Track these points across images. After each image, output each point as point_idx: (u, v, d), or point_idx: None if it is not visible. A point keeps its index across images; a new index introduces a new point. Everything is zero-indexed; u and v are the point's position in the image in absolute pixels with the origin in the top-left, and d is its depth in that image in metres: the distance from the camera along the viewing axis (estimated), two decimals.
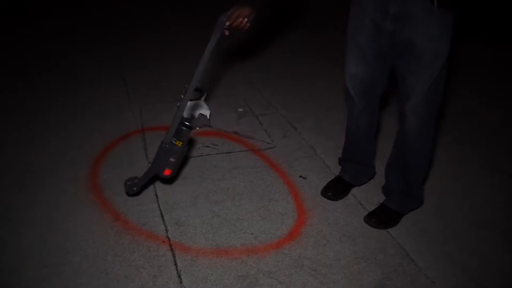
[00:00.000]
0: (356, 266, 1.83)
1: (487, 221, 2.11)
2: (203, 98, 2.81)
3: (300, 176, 2.37)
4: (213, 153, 2.54)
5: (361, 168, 2.25)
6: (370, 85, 1.94)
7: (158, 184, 2.24)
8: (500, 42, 4.52)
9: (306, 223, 2.05)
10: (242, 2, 1.76)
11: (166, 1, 5.50)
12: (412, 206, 2.11)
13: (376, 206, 2.12)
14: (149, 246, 1.88)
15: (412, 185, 2.04)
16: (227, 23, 1.75)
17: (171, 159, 1.85)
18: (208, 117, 2.77)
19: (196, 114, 2.72)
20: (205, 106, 2.79)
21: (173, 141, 1.85)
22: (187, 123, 1.85)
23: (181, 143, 1.85)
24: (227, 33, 1.78)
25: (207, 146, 2.59)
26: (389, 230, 2.02)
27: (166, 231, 1.97)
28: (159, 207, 2.11)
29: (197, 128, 2.77)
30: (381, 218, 2.05)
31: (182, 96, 2.74)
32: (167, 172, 1.87)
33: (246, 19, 1.77)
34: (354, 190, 2.26)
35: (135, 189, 1.97)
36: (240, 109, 3.04)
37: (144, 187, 2.07)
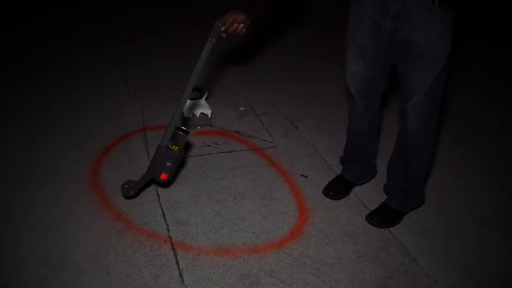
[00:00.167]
0: (358, 265, 1.83)
1: (488, 220, 2.11)
2: (204, 97, 2.81)
3: (301, 175, 2.37)
4: (214, 152, 2.54)
5: (363, 167, 2.25)
6: (370, 85, 1.94)
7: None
8: (500, 42, 4.53)
9: (307, 222, 2.05)
10: (237, 8, 1.78)
11: (166, 1, 5.50)
12: (413, 205, 2.11)
13: (378, 205, 2.12)
14: (150, 245, 1.88)
15: (413, 184, 2.04)
16: (223, 28, 1.77)
17: (168, 164, 1.87)
18: (209, 116, 2.77)
19: (198, 113, 2.72)
20: (206, 105, 2.79)
21: (170, 146, 1.86)
22: (183, 128, 1.88)
23: (177, 147, 1.86)
24: (224, 35, 1.80)
25: (209, 145, 2.59)
26: (391, 229, 2.02)
27: (168, 230, 1.97)
28: (160, 206, 2.11)
29: (199, 127, 2.77)
30: (382, 217, 2.05)
31: None
32: (163, 176, 1.89)
33: (241, 24, 1.78)
34: (356, 189, 2.26)
35: (132, 192, 1.98)
36: (242, 108, 3.04)
37: (141, 190, 2.07)
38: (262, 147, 2.61)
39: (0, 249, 1.84)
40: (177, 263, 1.80)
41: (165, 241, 1.91)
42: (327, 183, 2.27)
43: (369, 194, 2.24)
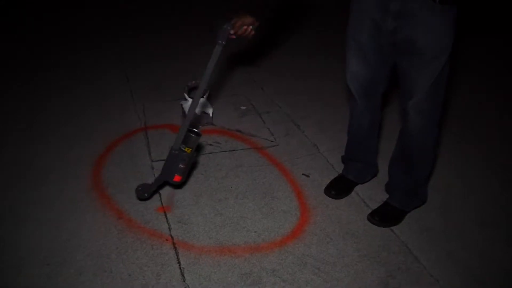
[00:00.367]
0: (360, 264, 1.83)
1: (490, 220, 2.10)
2: (205, 96, 2.80)
3: (303, 174, 2.37)
4: (216, 151, 2.54)
5: (364, 166, 2.25)
6: (371, 84, 1.93)
7: None
8: (500, 38, 4.51)
9: (309, 221, 2.05)
10: (244, 11, 1.81)
11: (166, 1, 5.49)
12: (415, 204, 2.10)
13: (380, 204, 2.12)
14: (152, 244, 1.89)
15: (415, 183, 2.03)
16: (232, 32, 1.81)
17: (181, 166, 1.90)
18: (211, 115, 2.77)
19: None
20: (208, 104, 2.79)
21: (182, 148, 1.90)
22: (195, 130, 1.91)
23: (189, 149, 1.90)
24: (233, 36, 1.84)
25: (210, 144, 2.59)
26: (393, 228, 2.02)
27: (169, 229, 1.97)
28: (162, 205, 2.11)
29: (200, 126, 2.77)
30: (384, 216, 2.05)
31: (185, 94, 2.75)
32: (177, 178, 1.93)
33: (250, 27, 1.82)
34: (358, 188, 2.25)
35: (146, 195, 2.02)
36: (243, 107, 3.04)
37: (155, 192, 2.10)
38: (264, 146, 2.61)
39: (2, 248, 1.85)
40: (179, 262, 1.80)
41: (166, 240, 1.91)
42: (328, 182, 2.26)
43: (371, 193, 2.24)
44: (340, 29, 1.94)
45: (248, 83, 3.40)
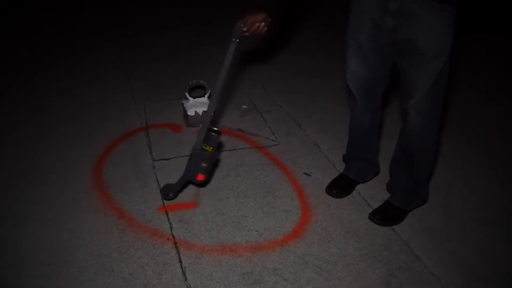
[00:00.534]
0: (361, 263, 1.83)
1: (491, 219, 2.10)
2: (206, 96, 2.80)
3: (304, 173, 2.36)
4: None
5: (365, 165, 2.24)
6: (371, 84, 1.93)
7: (162, 181, 2.25)
8: (500, 37, 4.50)
9: (310, 220, 2.05)
10: (255, 9, 1.84)
11: (166, 1, 5.49)
12: (416, 203, 2.10)
13: (381, 203, 2.12)
14: (153, 243, 1.88)
15: (416, 182, 2.03)
16: (245, 29, 1.85)
17: (203, 164, 1.95)
18: (212, 114, 2.76)
19: (200, 111, 2.72)
20: (209, 103, 2.78)
21: (204, 147, 1.94)
22: (215, 129, 1.97)
23: (211, 148, 1.94)
24: (247, 34, 1.88)
25: None
26: (394, 227, 2.02)
27: (171, 228, 1.97)
28: (163, 204, 2.11)
29: (201, 126, 2.76)
30: (385, 215, 2.05)
31: (186, 93, 2.75)
32: (200, 177, 1.97)
33: (262, 23, 1.85)
34: (359, 187, 2.25)
35: (171, 195, 2.07)
36: (244, 106, 3.04)
37: (179, 191, 2.13)
38: (265, 145, 2.61)
39: (5, 247, 1.85)
40: (180, 261, 1.80)
41: (168, 239, 1.91)
42: (330, 181, 2.26)
43: (372, 192, 2.23)
44: (341, 28, 1.94)
45: (250, 82, 3.40)
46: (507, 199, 2.23)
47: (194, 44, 4.12)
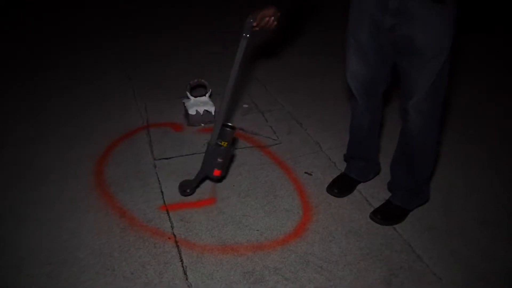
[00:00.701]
0: (362, 262, 1.83)
1: (492, 219, 2.10)
2: (208, 95, 2.80)
3: (305, 173, 2.36)
4: None
5: (366, 164, 2.24)
6: (371, 83, 1.93)
7: (163, 180, 2.25)
8: (500, 37, 4.50)
9: (311, 220, 2.05)
10: (264, 4, 1.86)
11: (166, 1, 5.49)
12: (417, 203, 2.10)
13: (382, 203, 2.11)
14: (155, 242, 1.89)
15: (417, 182, 2.03)
16: (255, 24, 1.87)
17: (219, 160, 1.99)
18: (213, 113, 2.77)
19: (201, 110, 2.72)
20: (210, 102, 2.79)
21: (219, 143, 1.96)
22: (229, 124, 2.00)
23: (226, 143, 1.97)
24: (257, 29, 1.89)
25: None
26: (395, 226, 2.02)
27: (172, 227, 1.97)
28: (164, 203, 2.11)
29: (202, 125, 2.77)
30: (386, 214, 2.05)
31: (187, 93, 2.75)
32: (216, 172, 2.01)
33: (272, 18, 1.86)
34: (360, 186, 2.25)
35: (188, 191, 2.10)
36: (245, 106, 3.04)
37: (197, 187, 2.15)
38: (266, 145, 2.61)
39: (3, 247, 1.85)
40: (181, 261, 1.80)
41: (169, 238, 1.91)
42: (331, 180, 2.26)
43: (373, 192, 2.23)
44: (342, 28, 1.94)
45: (251, 81, 3.40)
46: (508, 199, 2.23)
47: (194, 44, 4.12)
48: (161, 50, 4.02)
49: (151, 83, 3.34)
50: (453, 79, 2.22)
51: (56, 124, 2.76)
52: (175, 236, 1.93)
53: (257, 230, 1.98)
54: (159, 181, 2.25)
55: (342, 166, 2.35)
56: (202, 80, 2.80)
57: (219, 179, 2.20)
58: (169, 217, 2.03)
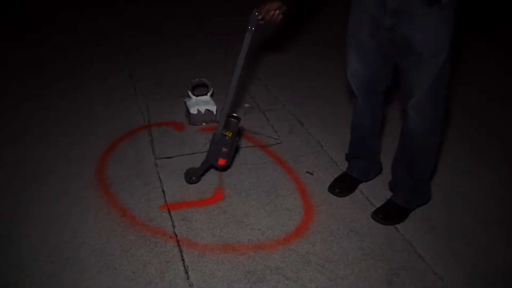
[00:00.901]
0: (364, 262, 1.83)
1: (493, 219, 2.09)
2: (209, 94, 2.80)
3: (307, 172, 2.36)
4: None
5: (368, 164, 2.24)
6: (372, 82, 1.93)
7: (164, 180, 2.25)
8: (500, 40, 4.49)
9: (313, 219, 2.05)
10: None
11: (166, 1, 5.49)
12: (419, 202, 2.10)
13: (383, 202, 2.11)
14: (156, 241, 1.89)
15: (418, 181, 2.03)
16: (260, 17, 1.89)
17: (224, 149, 2.05)
18: (214, 112, 2.77)
19: (203, 109, 2.72)
20: (212, 101, 2.79)
21: (224, 133, 2.04)
22: (234, 115, 2.05)
23: (231, 133, 2.03)
24: (262, 22, 1.92)
25: None
26: (397, 226, 2.02)
27: (173, 226, 1.97)
28: (166, 202, 2.11)
29: (204, 124, 2.77)
30: (388, 214, 2.04)
31: (188, 92, 2.75)
32: (221, 162, 2.07)
33: (277, 11, 1.89)
34: (362, 186, 2.25)
35: (194, 178, 2.18)
36: (247, 105, 3.04)
37: (202, 175, 2.23)
38: (268, 144, 2.60)
39: (8, 245, 1.85)
40: (183, 260, 1.80)
41: (170, 237, 1.91)
42: (332, 180, 2.26)
43: (375, 191, 2.23)
44: (342, 27, 1.94)
45: (252, 80, 3.40)
46: (508, 199, 2.23)
47: (195, 44, 4.12)
48: (162, 49, 4.02)
49: (153, 82, 3.34)
50: (453, 79, 2.21)
51: (56, 123, 2.76)
52: (176, 235, 1.93)
53: (259, 230, 1.97)
54: (160, 180, 2.26)
55: (343, 166, 2.35)
56: (204, 79, 2.80)
57: (224, 168, 2.26)
58: (170, 216, 2.03)
